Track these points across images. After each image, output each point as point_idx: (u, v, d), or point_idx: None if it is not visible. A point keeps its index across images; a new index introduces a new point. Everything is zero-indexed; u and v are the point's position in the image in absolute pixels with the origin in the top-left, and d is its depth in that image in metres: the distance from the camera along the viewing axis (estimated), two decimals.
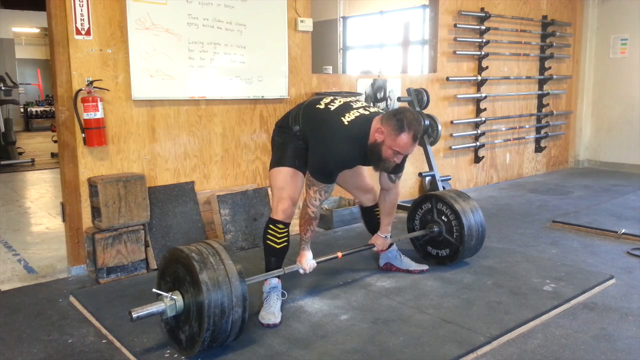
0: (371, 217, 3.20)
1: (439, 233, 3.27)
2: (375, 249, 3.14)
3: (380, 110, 2.70)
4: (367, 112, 2.63)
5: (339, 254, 2.91)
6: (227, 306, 2.15)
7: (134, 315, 2.18)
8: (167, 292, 2.26)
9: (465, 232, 3.14)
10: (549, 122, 6.63)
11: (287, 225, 2.70)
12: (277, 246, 2.68)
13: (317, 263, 2.78)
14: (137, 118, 3.42)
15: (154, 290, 2.28)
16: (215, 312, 2.12)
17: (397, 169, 2.78)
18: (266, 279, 2.68)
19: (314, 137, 2.63)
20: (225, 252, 2.28)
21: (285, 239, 2.70)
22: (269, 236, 2.68)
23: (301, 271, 2.72)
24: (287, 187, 2.68)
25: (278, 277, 2.70)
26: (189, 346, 2.22)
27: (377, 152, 2.54)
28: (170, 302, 2.22)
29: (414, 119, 2.48)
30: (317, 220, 2.71)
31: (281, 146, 2.78)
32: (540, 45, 6.33)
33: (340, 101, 2.70)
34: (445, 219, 3.26)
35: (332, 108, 2.65)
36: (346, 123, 2.55)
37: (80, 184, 3.25)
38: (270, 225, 2.69)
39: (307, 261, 2.73)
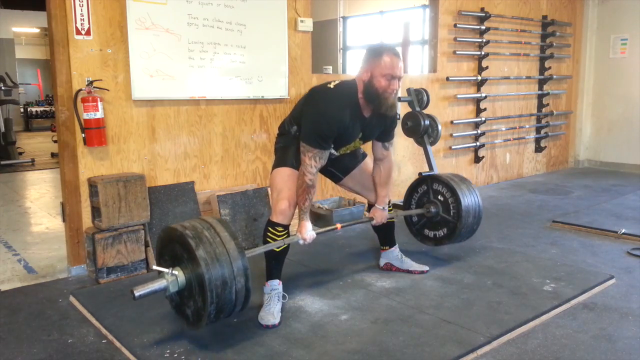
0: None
1: (435, 213, 3.27)
2: (373, 222, 3.06)
3: None
4: (350, 78, 2.70)
5: (338, 226, 2.89)
6: (228, 277, 2.14)
7: (137, 293, 2.17)
8: (167, 269, 2.24)
9: (463, 208, 3.14)
10: (549, 122, 6.63)
11: (286, 227, 2.69)
12: (277, 249, 2.68)
13: (317, 234, 2.72)
14: (137, 118, 3.42)
15: (154, 267, 2.28)
16: (217, 284, 2.11)
17: (387, 136, 2.85)
18: (267, 281, 2.68)
19: (305, 109, 2.65)
20: (220, 225, 2.26)
21: None
22: (268, 239, 2.68)
23: (301, 242, 2.67)
24: (285, 188, 2.68)
25: (279, 277, 2.70)
26: (196, 320, 2.23)
27: (373, 92, 2.54)
28: (172, 278, 2.20)
29: (383, 44, 2.60)
30: (314, 188, 2.64)
31: (281, 149, 2.80)
32: (540, 45, 6.33)
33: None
34: (442, 198, 3.25)
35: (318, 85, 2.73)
36: (332, 87, 2.62)
37: (80, 184, 3.25)
38: (269, 228, 2.68)
39: (307, 232, 2.67)
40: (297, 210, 2.73)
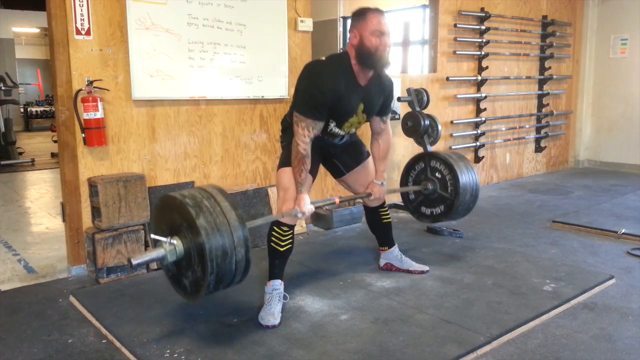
0: (375, 218, 3.17)
1: (433, 190, 3.26)
2: (371, 197, 3.01)
3: None
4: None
5: (337, 200, 2.86)
6: (228, 247, 2.10)
7: (134, 262, 2.14)
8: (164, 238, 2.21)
9: (460, 184, 3.13)
10: (549, 122, 6.62)
11: (291, 227, 2.69)
12: (281, 248, 2.68)
13: (315, 207, 2.68)
14: (137, 118, 3.42)
15: (152, 235, 2.23)
16: (217, 254, 2.07)
17: (386, 109, 2.85)
18: (269, 280, 2.68)
19: (298, 83, 2.64)
20: (220, 195, 2.23)
21: (290, 241, 2.69)
22: (273, 238, 2.68)
23: (299, 215, 2.62)
24: (291, 188, 2.66)
25: (281, 278, 2.69)
26: (195, 291, 2.17)
27: (366, 52, 2.54)
28: (170, 247, 2.16)
29: (366, 6, 2.60)
30: (309, 158, 2.59)
31: (287, 147, 2.75)
32: (540, 45, 6.33)
33: None
34: (439, 175, 3.25)
35: None
36: (323, 59, 2.64)
37: (80, 184, 3.25)
38: (275, 227, 2.68)
39: (305, 205, 2.61)
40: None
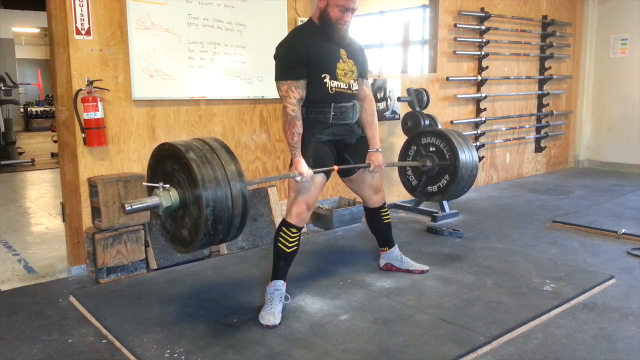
0: (375, 218, 3.17)
1: (432, 165, 3.25)
2: (371, 168, 2.94)
3: None
4: None
5: (335, 167, 2.81)
6: (221, 179, 2.05)
7: (127, 207, 2.10)
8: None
9: (456, 145, 3.14)
10: (549, 122, 6.62)
11: (299, 229, 2.69)
12: (288, 250, 2.67)
13: (314, 173, 2.64)
14: (137, 118, 3.42)
15: (144, 183, 2.21)
16: (211, 185, 2.03)
17: (363, 71, 2.87)
18: (271, 280, 2.68)
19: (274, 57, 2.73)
20: (213, 140, 2.22)
21: (296, 243, 2.69)
22: (280, 239, 2.67)
23: (298, 178, 2.59)
24: (303, 190, 2.65)
25: (284, 279, 2.69)
26: (194, 235, 2.11)
27: (327, 20, 2.64)
28: (164, 192, 2.12)
29: None
30: (299, 120, 2.61)
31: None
32: (540, 45, 6.33)
33: None
34: (434, 149, 3.25)
35: None
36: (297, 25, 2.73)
37: (80, 184, 3.25)
38: (283, 228, 2.67)
39: (303, 167, 2.59)
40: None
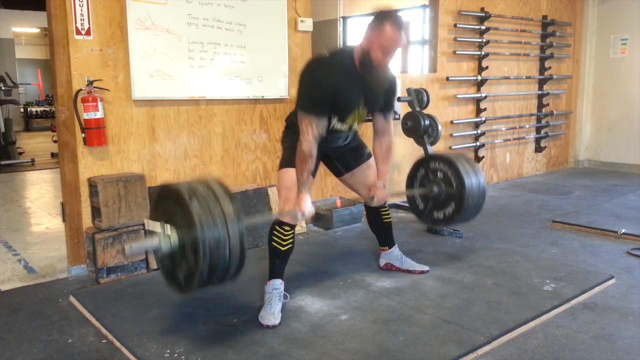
0: (376, 218, 3.17)
1: (439, 192, 3.20)
2: (374, 201, 2.97)
3: None
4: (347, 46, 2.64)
5: (338, 201, 2.82)
6: (221, 233, 2.05)
7: (128, 251, 2.12)
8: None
9: (463, 174, 3.09)
10: (549, 122, 6.62)
11: (293, 227, 2.69)
12: (283, 248, 2.67)
13: (316, 209, 2.66)
14: (137, 118, 3.42)
15: (145, 221, 2.23)
16: (210, 239, 2.03)
17: (388, 105, 2.81)
18: (269, 280, 2.68)
19: (300, 79, 2.58)
20: (217, 185, 2.21)
21: (291, 240, 2.69)
22: (274, 238, 2.67)
23: (299, 216, 2.58)
24: (293, 189, 2.64)
25: (282, 277, 2.69)
26: (189, 281, 2.13)
27: (368, 62, 2.49)
28: (164, 236, 2.13)
29: (391, 11, 2.49)
30: (312, 158, 2.52)
31: (290, 146, 2.72)
32: (540, 45, 6.33)
33: None
34: (441, 175, 3.22)
35: None
36: (326, 54, 2.58)
37: (80, 184, 3.25)
38: (276, 227, 2.67)
39: (306, 205, 2.55)
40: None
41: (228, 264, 2.10)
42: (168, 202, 2.18)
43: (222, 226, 2.07)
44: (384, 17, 2.46)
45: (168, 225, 2.14)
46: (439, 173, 3.24)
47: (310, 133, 2.49)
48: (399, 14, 2.49)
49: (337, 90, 2.52)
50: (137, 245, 2.14)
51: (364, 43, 2.51)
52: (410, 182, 3.42)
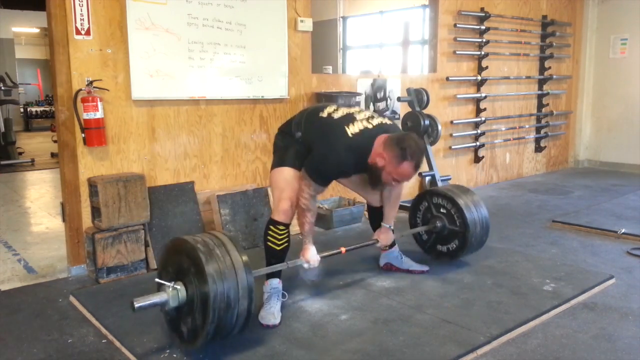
0: (377, 217, 3.17)
1: (442, 227, 3.25)
2: (378, 244, 3.09)
3: (385, 122, 2.71)
4: (370, 126, 2.64)
5: (343, 250, 2.89)
6: (232, 299, 2.10)
7: (137, 305, 2.14)
8: (169, 282, 2.21)
9: (467, 216, 3.12)
10: (548, 122, 6.63)
11: (287, 226, 2.70)
12: (278, 247, 2.68)
13: (321, 257, 2.74)
14: (137, 118, 3.42)
15: (156, 280, 2.24)
16: (221, 305, 2.08)
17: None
18: (267, 279, 2.69)
19: (317, 142, 2.66)
20: (231, 244, 2.25)
21: (286, 239, 2.70)
22: (269, 237, 2.69)
23: (305, 265, 2.70)
24: (287, 188, 2.68)
25: (279, 276, 2.70)
26: (191, 338, 2.18)
27: (377, 176, 2.61)
28: (173, 292, 2.17)
29: (417, 149, 2.52)
30: (311, 212, 2.66)
31: (283, 148, 2.80)
32: (540, 45, 6.33)
33: (343, 111, 2.74)
34: (445, 211, 3.24)
35: (336, 117, 2.69)
36: (350, 135, 2.59)
37: (80, 184, 3.25)
38: (271, 226, 2.69)
39: (312, 255, 2.70)
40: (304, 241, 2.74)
41: (233, 326, 2.17)
42: (182, 257, 2.22)
43: (233, 290, 2.12)
44: (406, 157, 2.50)
45: (178, 286, 2.19)
46: (442, 209, 3.26)
47: (309, 193, 2.62)
48: (419, 150, 2.55)
49: (346, 172, 2.75)
50: (145, 301, 2.17)
51: (380, 160, 2.56)
52: (414, 214, 3.44)
